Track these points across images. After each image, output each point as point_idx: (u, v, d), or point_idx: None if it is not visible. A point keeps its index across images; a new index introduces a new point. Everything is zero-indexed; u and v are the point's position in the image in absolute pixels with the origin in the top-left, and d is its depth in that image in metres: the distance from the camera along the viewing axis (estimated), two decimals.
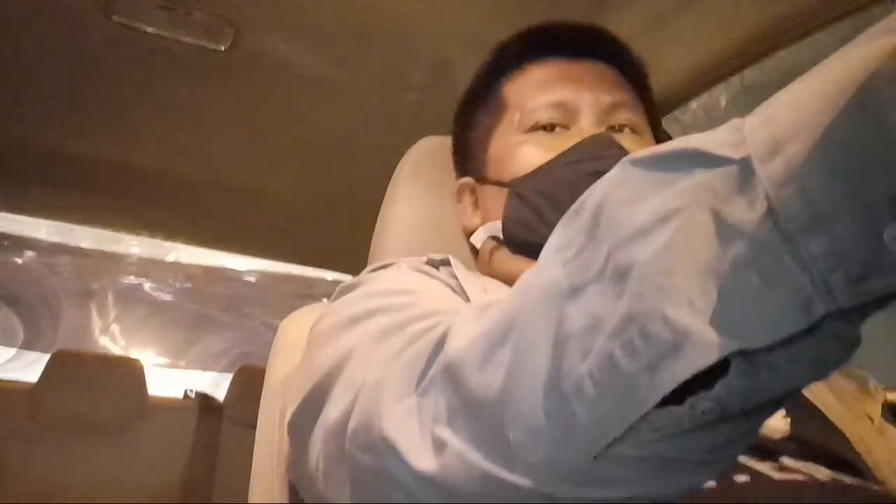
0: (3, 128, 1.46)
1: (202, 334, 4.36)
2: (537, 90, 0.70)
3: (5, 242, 3.90)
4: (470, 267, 0.69)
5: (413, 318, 0.44)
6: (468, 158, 0.76)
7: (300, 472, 0.53)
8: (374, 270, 0.62)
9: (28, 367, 3.44)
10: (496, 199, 0.70)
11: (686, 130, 1.47)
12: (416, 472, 0.34)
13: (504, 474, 0.31)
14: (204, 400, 2.38)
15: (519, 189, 0.67)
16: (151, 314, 4.31)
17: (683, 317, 0.24)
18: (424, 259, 0.64)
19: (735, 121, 0.25)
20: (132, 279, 4.27)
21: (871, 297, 0.23)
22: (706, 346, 0.24)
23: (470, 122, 0.76)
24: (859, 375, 0.67)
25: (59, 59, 1.22)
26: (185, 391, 2.47)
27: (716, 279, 0.24)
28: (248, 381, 2.31)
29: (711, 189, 0.25)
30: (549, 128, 0.69)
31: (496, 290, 0.62)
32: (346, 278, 0.62)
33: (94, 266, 4.13)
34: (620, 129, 0.69)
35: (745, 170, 0.24)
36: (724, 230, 0.24)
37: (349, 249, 1.47)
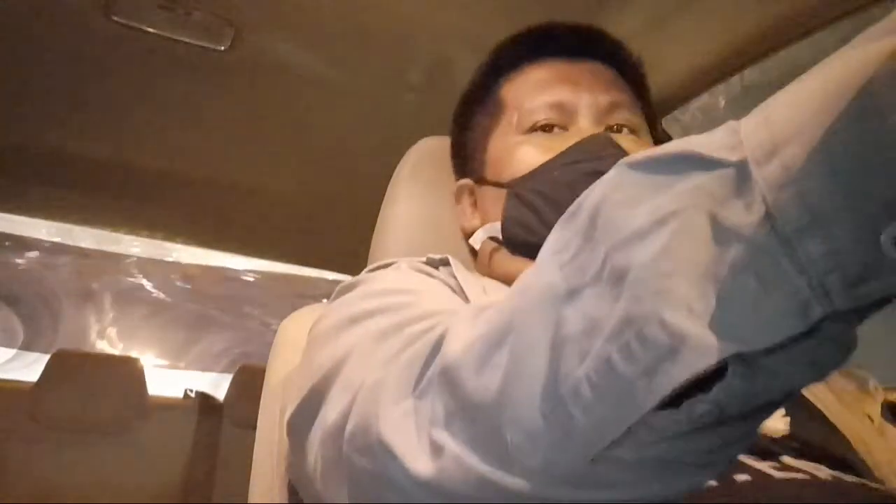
0: (3, 128, 1.46)
1: (202, 334, 4.36)
2: (535, 91, 0.70)
3: (6, 242, 3.90)
4: (469, 268, 0.69)
5: (411, 319, 0.44)
6: (467, 160, 0.76)
7: (299, 472, 0.53)
8: (374, 270, 0.62)
9: (28, 367, 3.44)
10: (495, 200, 0.70)
11: (686, 130, 1.47)
12: (413, 475, 0.34)
13: (501, 477, 0.31)
14: (204, 400, 2.39)
15: (518, 190, 0.67)
16: (151, 314, 4.32)
17: (681, 320, 0.24)
18: (424, 259, 0.64)
19: (732, 123, 0.25)
20: (132, 279, 4.27)
21: (868, 299, 0.23)
22: (704, 350, 0.24)
23: (468, 123, 0.76)
24: (859, 375, 0.67)
25: (59, 59, 1.22)
26: (185, 391, 2.47)
27: (713, 282, 0.24)
28: (248, 381, 2.31)
29: (708, 192, 0.24)
30: (547, 128, 0.69)
31: (495, 290, 0.61)
32: (346, 278, 0.62)
33: (94, 266, 4.13)
34: (619, 129, 0.69)
35: (742, 172, 0.24)
36: (722, 233, 0.24)
37: (349, 249, 1.47)
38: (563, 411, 0.28)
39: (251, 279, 4.42)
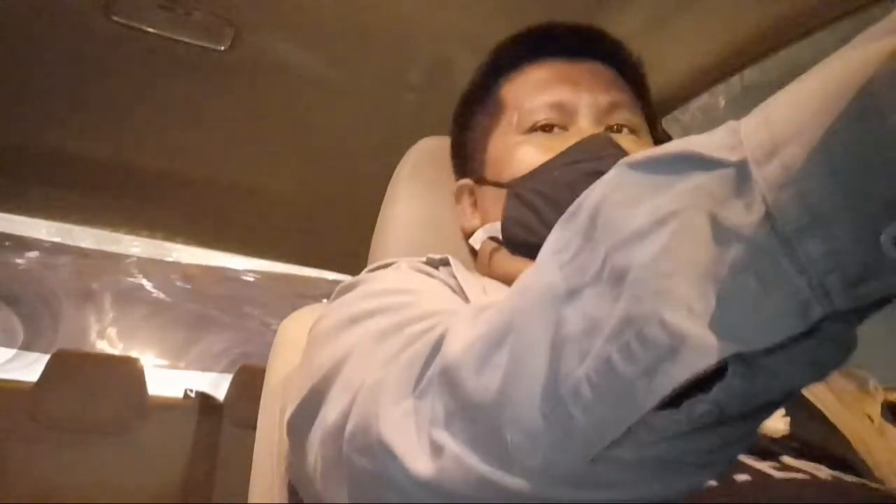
0: (3, 128, 1.46)
1: (202, 334, 4.36)
2: (535, 91, 0.70)
3: (6, 242, 3.91)
4: (469, 267, 0.69)
5: (411, 319, 0.44)
6: (467, 160, 0.76)
7: (299, 472, 0.53)
8: (373, 270, 0.62)
9: (28, 367, 3.44)
10: (495, 200, 0.70)
11: (686, 130, 1.47)
12: (413, 475, 0.34)
13: (501, 477, 0.31)
14: (204, 400, 2.39)
15: (518, 190, 0.67)
16: (151, 314, 4.32)
17: (681, 320, 0.24)
18: (424, 259, 0.64)
19: (731, 123, 0.25)
20: (132, 279, 4.27)
21: (868, 299, 0.22)
22: (704, 350, 0.24)
23: (468, 123, 0.76)
24: (859, 375, 0.67)
25: (59, 59, 1.22)
26: (185, 391, 2.47)
27: (713, 282, 0.24)
28: (248, 381, 2.31)
29: (708, 192, 0.24)
30: (547, 128, 0.69)
31: (495, 290, 0.61)
32: (346, 278, 0.62)
33: (94, 266, 4.13)
34: (619, 129, 0.69)
35: (742, 172, 0.24)
36: (722, 233, 0.24)
37: (349, 249, 1.47)
38: (563, 411, 0.28)
39: (251, 279, 4.42)
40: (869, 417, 0.63)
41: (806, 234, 0.22)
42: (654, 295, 0.24)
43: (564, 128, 0.69)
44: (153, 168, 1.60)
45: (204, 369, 4.23)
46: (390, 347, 0.42)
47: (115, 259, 4.17)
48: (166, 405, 2.36)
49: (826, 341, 0.24)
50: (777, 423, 0.54)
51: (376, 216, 0.82)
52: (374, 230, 0.82)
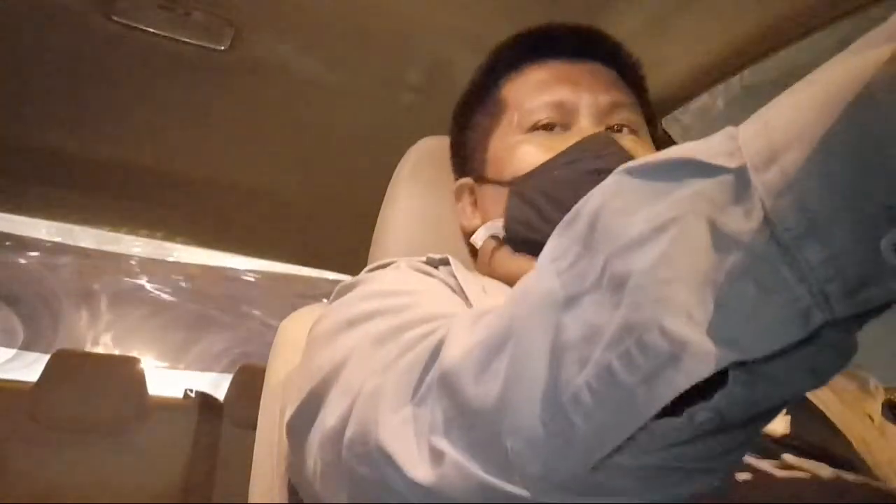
0: (3, 128, 1.46)
1: (202, 334, 4.36)
2: (536, 91, 0.70)
3: (6, 242, 3.90)
4: (469, 267, 0.69)
5: (410, 322, 0.44)
6: (467, 159, 0.76)
7: (299, 473, 0.53)
8: (373, 270, 0.62)
9: (28, 367, 3.44)
10: (495, 198, 0.70)
11: (686, 130, 1.47)
12: (413, 482, 0.34)
13: (502, 484, 0.31)
14: (204, 400, 2.38)
15: (519, 188, 0.67)
16: (151, 314, 4.31)
17: (681, 327, 0.24)
18: (424, 259, 0.64)
19: (730, 129, 0.25)
20: (132, 279, 4.27)
21: (868, 305, 0.22)
22: (704, 357, 0.23)
23: (468, 122, 0.76)
24: (860, 375, 0.67)
25: (59, 59, 1.22)
26: (185, 391, 2.47)
27: (713, 289, 0.24)
28: (248, 381, 2.31)
29: (707, 198, 0.24)
30: (548, 127, 0.69)
31: (495, 290, 0.61)
32: (346, 278, 0.62)
33: (94, 266, 4.13)
34: (619, 129, 0.70)
35: (741, 179, 0.24)
36: (721, 240, 0.24)
37: (349, 249, 1.47)
38: (563, 418, 0.27)
39: (251, 279, 4.42)
40: (870, 417, 0.63)
41: (805, 241, 0.22)
42: (653, 302, 0.24)
43: (565, 127, 0.69)
44: (153, 168, 1.60)
45: (204, 369, 4.23)
46: (388, 352, 0.42)
47: (116, 259, 4.17)
48: (166, 405, 2.36)
49: (826, 348, 0.24)
50: (778, 423, 0.54)
51: (376, 216, 0.82)
52: (374, 230, 0.82)
